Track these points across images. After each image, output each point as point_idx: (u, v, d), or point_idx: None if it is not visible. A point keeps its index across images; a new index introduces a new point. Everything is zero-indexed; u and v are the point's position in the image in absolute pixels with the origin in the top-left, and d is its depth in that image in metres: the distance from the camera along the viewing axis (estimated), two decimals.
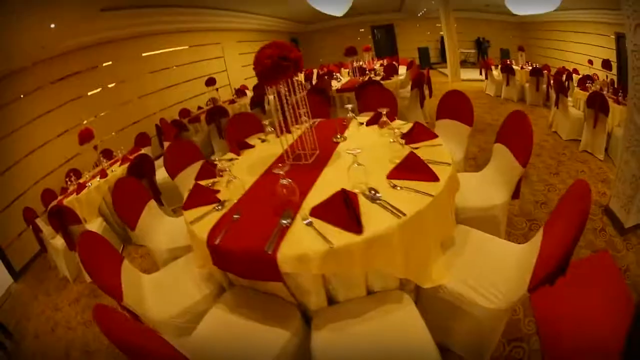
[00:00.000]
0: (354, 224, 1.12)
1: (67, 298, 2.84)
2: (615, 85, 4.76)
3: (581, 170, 3.32)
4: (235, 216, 1.37)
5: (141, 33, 6.09)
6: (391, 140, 1.73)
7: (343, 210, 1.17)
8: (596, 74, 6.41)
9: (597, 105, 3.58)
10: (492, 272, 1.27)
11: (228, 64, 8.93)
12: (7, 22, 3.26)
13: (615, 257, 2.07)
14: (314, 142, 1.81)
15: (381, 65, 7.27)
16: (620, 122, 3.53)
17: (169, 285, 1.62)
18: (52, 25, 3.82)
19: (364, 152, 1.40)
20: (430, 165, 1.41)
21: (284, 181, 1.32)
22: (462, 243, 1.44)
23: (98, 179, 3.34)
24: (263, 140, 2.35)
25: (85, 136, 3.63)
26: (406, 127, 1.93)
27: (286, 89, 1.62)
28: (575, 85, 5.14)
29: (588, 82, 4.93)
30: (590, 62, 7.33)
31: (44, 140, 4.53)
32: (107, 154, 4.41)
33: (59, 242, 2.98)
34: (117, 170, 3.48)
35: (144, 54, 6.35)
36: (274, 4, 8.02)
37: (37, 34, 3.86)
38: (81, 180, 3.63)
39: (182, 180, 2.40)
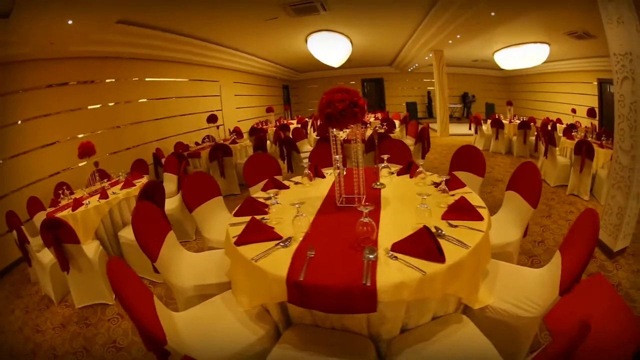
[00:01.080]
0: (437, 254, 1.29)
1: (50, 321, 2.57)
2: (597, 130, 5.24)
3: (570, 210, 3.79)
4: (310, 253, 1.38)
5: (148, 56, 6.17)
6: (428, 188, 2.07)
7: (428, 243, 1.32)
8: (579, 122, 7.03)
9: (583, 152, 4.02)
10: (524, 289, 1.54)
11: (224, 103, 9.07)
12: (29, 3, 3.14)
13: (607, 276, 2.55)
14: (360, 187, 1.88)
15: (376, 118, 7.98)
16: (604, 164, 3.97)
17: (211, 326, 1.51)
18: (70, 22, 3.69)
19: (409, 198, 1.91)
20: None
21: (365, 219, 1.44)
22: (493, 272, 1.69)
23: (98, 199, 3.16)
24: (297, 183, 2.44)
25: (86, 150, 3.52)
26: (434, 177, 2.30)
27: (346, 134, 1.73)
28: (561, 134, 5.65)
29: (574, 131, 5.45)
30: (574, 110, 8.19)
31: (34, 146, 4.27)
32: (102, 174, 4.22)
33: (46, 257, 2.76)
34: (120, 194, 3.32)
35: (147, 79, 6.39)
36: (272, 46, 8.31)
37: (51, 26, 3.70)
38: (76, 196, 3.42)
39: (201, 214, 2.36)
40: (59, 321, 2.56)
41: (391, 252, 1.36)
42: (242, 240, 1.52)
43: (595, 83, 8.52)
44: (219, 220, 2.45)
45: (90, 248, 2.74)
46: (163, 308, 1.45)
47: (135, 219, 1.79)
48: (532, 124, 6.64)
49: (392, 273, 1.25)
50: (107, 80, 5.48)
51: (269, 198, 2.06)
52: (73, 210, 2.98)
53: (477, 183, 2.64)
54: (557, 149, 4.76)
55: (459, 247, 1.38)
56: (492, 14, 5.96)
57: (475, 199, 1.88)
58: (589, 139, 4.40)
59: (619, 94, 2.93)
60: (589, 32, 6.64)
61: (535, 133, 6.33)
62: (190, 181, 2.47)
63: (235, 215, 1.89)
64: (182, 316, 1.58)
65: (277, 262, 1.36)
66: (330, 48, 8.07)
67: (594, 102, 8.00)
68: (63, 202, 3.41)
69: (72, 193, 3.70)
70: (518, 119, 7.36)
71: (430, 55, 9.51)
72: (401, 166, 2.59)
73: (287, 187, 2.37)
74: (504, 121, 7.12)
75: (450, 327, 1.39)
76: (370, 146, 3.88)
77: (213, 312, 1.58)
